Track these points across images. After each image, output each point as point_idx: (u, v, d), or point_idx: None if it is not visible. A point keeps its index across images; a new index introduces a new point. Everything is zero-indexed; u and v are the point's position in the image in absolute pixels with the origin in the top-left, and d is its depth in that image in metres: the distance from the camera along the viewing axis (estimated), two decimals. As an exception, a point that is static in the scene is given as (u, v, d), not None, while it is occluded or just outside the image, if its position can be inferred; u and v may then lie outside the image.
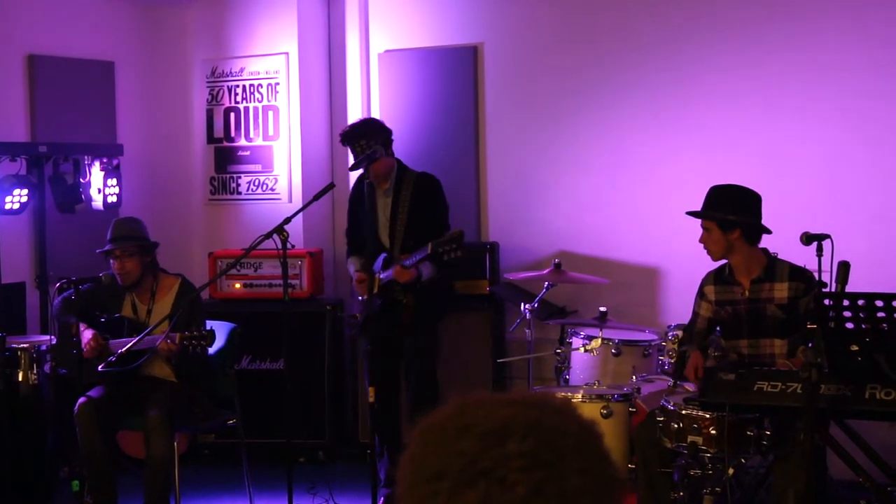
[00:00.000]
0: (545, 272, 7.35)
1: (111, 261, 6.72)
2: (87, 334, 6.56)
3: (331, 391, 8.24)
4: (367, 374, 7.11)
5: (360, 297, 7.02)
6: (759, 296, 5.92)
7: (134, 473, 6.89)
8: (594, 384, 6.68)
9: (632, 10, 8.17)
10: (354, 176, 8.32)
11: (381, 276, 6.83)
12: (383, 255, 6.92)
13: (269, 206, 8.66)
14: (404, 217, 6.94)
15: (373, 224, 6.96)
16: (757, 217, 5.91)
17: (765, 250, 5.99)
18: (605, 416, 6.13)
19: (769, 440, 5.44)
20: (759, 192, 5.99)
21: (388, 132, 6.98)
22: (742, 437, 5.44)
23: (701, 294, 6.17)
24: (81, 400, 6.46)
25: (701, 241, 5.97)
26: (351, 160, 7.46)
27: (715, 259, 6.01)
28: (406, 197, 6.96)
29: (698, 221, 5.99)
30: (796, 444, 5.08)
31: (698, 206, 6.01)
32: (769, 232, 5.92)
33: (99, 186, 7.83)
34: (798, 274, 5.89)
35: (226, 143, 8.90)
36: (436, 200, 7.09)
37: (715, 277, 6.11)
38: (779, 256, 6.06)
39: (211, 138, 8.94)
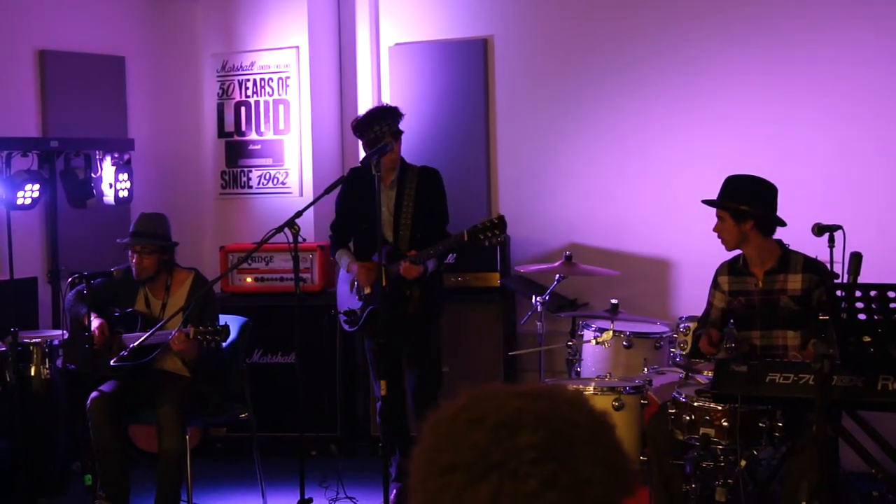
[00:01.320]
0: (556, 264, 7.34)
1: (129, 252, 6.74)
2: (95, 323, 6.57)
3: (342, 385, 8.25)
4: (371, 368, 7.08)
5: (363, 291, 6.93)
6: (773, 287, 5.91)
7: (146, 467, 6.90)
8: (606, 376, 6.68)
9: (643, 1, 8.15)
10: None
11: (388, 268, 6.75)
12: (386, 249, 6.76)
13: (279, 200, 8.67)
14: (410, 211, 6.88)
15: (375, 218, 6.82)
16: (771, 209, 5.90)
17: (779, 242, 5.98)
18: (617, 409, 6.13)
19: (781, 432, 5.43)
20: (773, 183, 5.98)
21: (399, 116, 6.87)
22: (754, 429, 5.42)
23: (715, 284, 6.16)
24: (94, 394, 6.48)
25: (715, 230, 5.96)
26: (362, 153, 7.44)
27: (729, 249, 5.99)
28: (411, 191, 6.90)
29: (710, 213, 5.98)
30: (809, 435, 5.06)
31: (710, 198, 6.00)
32: (784, 224, 5.91)
33: (110, 181, 7.84)
34: (812, 266, 5.87)
35: (236, 137, 8.91)
36: (439, 194, 7.03)
37: (729, 268, 6.10)
38: (791, 247, 6.05)
39: (221, 132, 8.95)
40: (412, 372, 7.04)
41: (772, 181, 5.99)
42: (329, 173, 8.50)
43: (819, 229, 5.72)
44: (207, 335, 6.39)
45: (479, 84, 8.54)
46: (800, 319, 5.83)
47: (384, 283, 6.67)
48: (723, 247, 6.01)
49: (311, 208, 6.72)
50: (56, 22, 8.35)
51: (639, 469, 5.81)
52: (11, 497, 6.84)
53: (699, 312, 6.60)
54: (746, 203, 5.85)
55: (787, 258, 5.93)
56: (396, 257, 6.76)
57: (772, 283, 5.91)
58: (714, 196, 5.98)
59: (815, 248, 5.89)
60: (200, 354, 6.54)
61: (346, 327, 7.17)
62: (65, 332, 6.94)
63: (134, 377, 6.58)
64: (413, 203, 6.88)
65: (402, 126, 6.88)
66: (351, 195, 7.01)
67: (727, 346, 5.96)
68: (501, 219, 6.51)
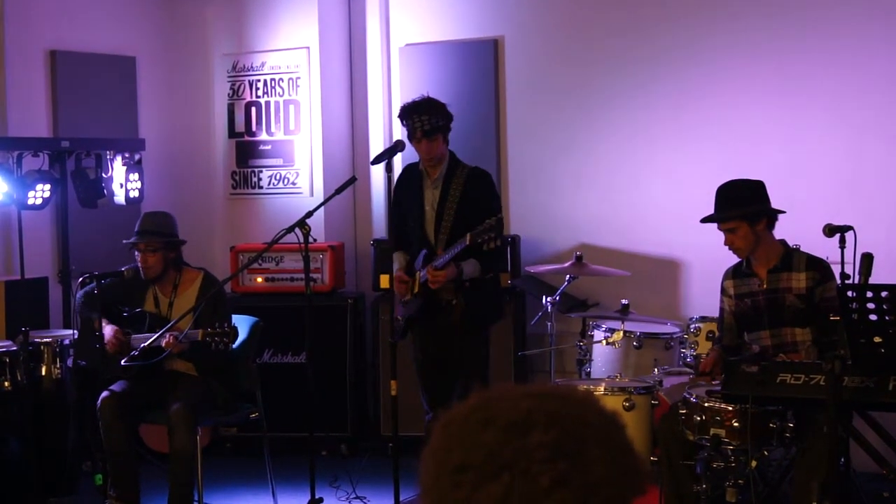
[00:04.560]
0: (566, 265, 7.34)
1: (135, 252, 6.74)
2: (108, 330, 6.58)
3: (353, 384, 8.26)
4: (421, 387, 6.74)
5: (402, 299, 6.67)
6: (778, 285, 5.90)
7: (157, 467, 6.91)
8: (616, 377, 6.67)
9: (653, 1, 8.15)
10: (376, 170, 8.33)
11: (420, 274, 6.54)
12: (424, 252, 6.59)
13: (290, 200, 8.67)
14: (452, 212, 6.54)
15: (418, 216, 6.63)
16: (769, 202, 5.92)
17: (783, 241, 5.98)
18: (628, 409, 6.12)
19: (792, 432, 5.43)
20: (783, 185, 6.00)
21: (449, 115, 6.59)
22: (765, 430, 5.42)
23: (722, 290, 6.16)
24: (104, 394, 6.49)
25: (727, 243, 5.92)
26: (372, 154, 7.42)
27: (744, 256, 5.96)
28: (456, 191, 6.56)
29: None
30: (819, 436, 5.07)
31: (710, 210, 5.98)
32: (783, 212, 5.91)
33: (121, 181, 7.85)
34: (814, 264, 5.87)
35: (247, 138, 8.91)
36: (488, 197, 6.66)
37: (733, 272, 6.10)
38: (801, 248, 6.05)
39: (232, 132, 8.96)
40: (459, 385, 6.60)
41: (782, 182, 6.03)
42: (339, 173, 8.50)
43: (830, 230, 5.71)
44: (216, 336, 6.39)
45: (490, 85, 8.54)
46: (807, 316, 5.83)
47: (415, 290, 6.56)
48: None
49: (322, 208, 6.71)
50: (67, 22, 8.36)
51: (649, 469, 5.81)
52: (22, 496, 6.84)
53: (710, 313, 6.61)
54: (755, 203, 5.85)
55: (791, 257, 5.93)
56: (431, 261, 6.50)
57: (776, 281, 5.91)
58: (708, 212, 5.96)
59: (826, 249, 5.88)
60: (203, 353, 6.52)
61: (393, 336, 6.80)
62: (75, 331, 6.95)
63: (144, 377, 6.59)
64: (457, 204, 6.55)
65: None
66: (400, 193, 6.75)
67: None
68: (499, 221, 6.21)
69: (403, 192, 6.73)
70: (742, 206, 5.85)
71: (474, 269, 6.45)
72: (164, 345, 6.42)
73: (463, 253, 6.36)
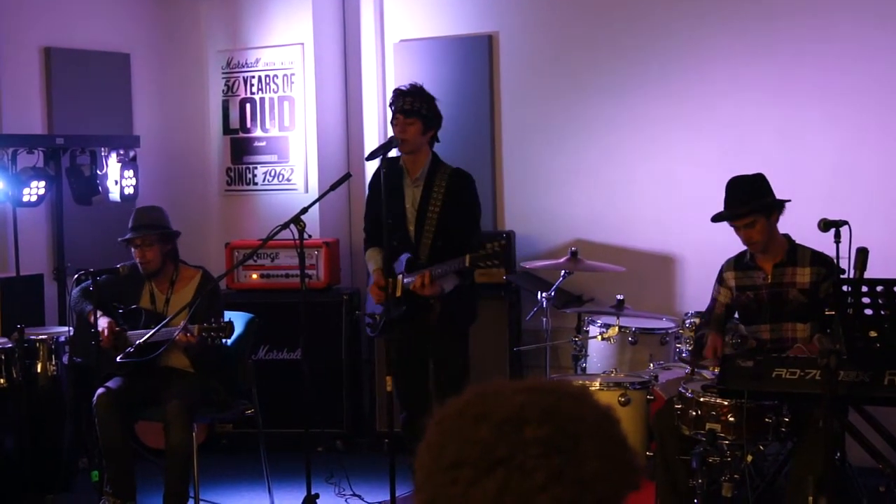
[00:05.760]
0: (561, 260, 7.33)
1: (132, 249, 6.73)
2: (102, 322, 6.56)
3: (348, 380, 8.25)
4: (396, 390, 6.68)
5: (377, 301, 6.62)
6: (782, 280, 5.90)
7: (153, 463, 6.90)
8: (611, 372, 6.67)
9: (647, -3, 8.16)
10: (371, 166, 8.32)
11: (405, 280, 6.48)
12: (406, 256, 6.54)
13: (285, 197, 8.67)
14: (435, 214, 6.52)
15: (399, 215, 6.56)
16: (774, 193, 5.93)
17: (787, 236, 5.98)
18: (623, 404, 6.12)
19: (788, 427, 5.43)
20: (778, 179, 5.98)
21: (434, 108, 6.61)
22: (760, 424, 5.43)
23: (720, 280, 6.15)
24: (100, 391, 6.48)
25: (747, 239, 5.88)
26: (367, 150, 7.41)
27: (760, 249, 5.94)
28: (439, 193, 6.53)
29: (715, 207, 5.96)
30: (815, 430, 5.07)
31: (715, 195, 5.97)
32: (790, 200, 5.92)
33: (116, 178, 7.85)
34: (820, 259, 5.87)
35: (242, 134, 8.91)
36: (470, 201, 6.65)
37: (735, 263, 6.09)
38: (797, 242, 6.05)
39: (227, 129, 8.95)
40: (437, 385, 6.68)
41: (777, 176, 6.01)
42: (334, 170, 8.50)
43: (825, 224, 5.71)
44: (212, 331, 6.39)
45: (484, 81, 8.53)
46: (808, 312, 5.83)
47: (398, 294, 6.53)
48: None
49: (317, 205, 6.71)
50: (62, 19, 8.35)
51: (644, 464, 5.81)
52: (18, 493, 6.84)
53: (705, 308, 6.60)
54: (768, 195, 5.85)
55: (795, 251, 5.93)
56: (415, 267, 6.48)
57: (780, 276, 5.91)
58: (717, 199, 5.95)
59: (821, 244, 5.89)
60: (202, 348, 6.53)
61: (368, 331, 6.97)
62: (70, 328, 6.94)
63: (140, 374, 6.58)
64: (439, 208, 6.53)
65: None
66: (376, 189, 6.62)
67: (732, 342, 5.96)
68: (503, 248, 6.20)
69: (379, 188, 6.47)
70: (757, 200, 5.83)
71: (455, 283, 6.48)
72: (175, 337, 6.41)
73: (440, 253, 6.43)
